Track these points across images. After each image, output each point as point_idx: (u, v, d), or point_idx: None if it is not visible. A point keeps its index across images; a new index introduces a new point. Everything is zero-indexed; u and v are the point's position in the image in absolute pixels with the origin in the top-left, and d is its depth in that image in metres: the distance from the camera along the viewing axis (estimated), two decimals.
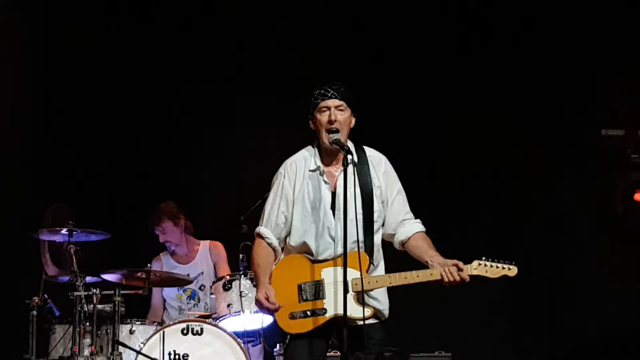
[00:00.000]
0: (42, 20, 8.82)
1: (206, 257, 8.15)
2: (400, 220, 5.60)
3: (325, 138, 5.45)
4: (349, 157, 5.34)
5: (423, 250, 5.50)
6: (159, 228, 8.07)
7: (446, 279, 5.34)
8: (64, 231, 7.23)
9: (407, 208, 5.65)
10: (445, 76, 8.98)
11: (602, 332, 8.69)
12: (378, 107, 8.46)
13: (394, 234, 5.61)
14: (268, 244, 5.53)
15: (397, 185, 5.64)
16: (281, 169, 5.60)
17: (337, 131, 5.43)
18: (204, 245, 8.22)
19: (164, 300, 8.17)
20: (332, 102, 5.46)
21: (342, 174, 5.40)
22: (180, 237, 8.13)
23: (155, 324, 7.41)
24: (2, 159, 8.57)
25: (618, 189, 8.66)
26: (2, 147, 8.58)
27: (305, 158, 5.56)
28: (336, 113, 5.44)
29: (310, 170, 5.52)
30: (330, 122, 5.43)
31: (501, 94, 8.96)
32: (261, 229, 5.56)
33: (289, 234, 5.54)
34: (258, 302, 5.43)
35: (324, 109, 5.45)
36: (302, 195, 5.49)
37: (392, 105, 8.88)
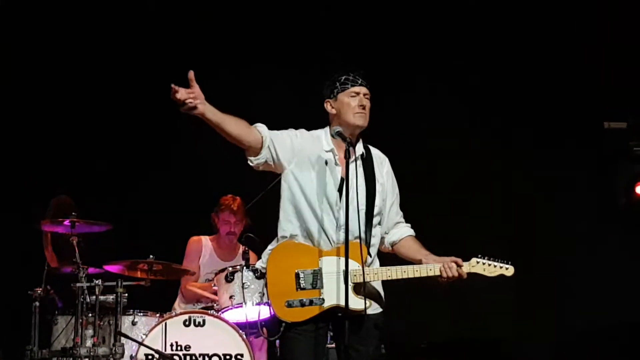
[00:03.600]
0: None
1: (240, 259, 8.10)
2: (394, 223, 5.68)
3: (356, 119, 5.46)
4: (357, 151, 5.44)
5: (415, 250, 5.58)
6: (237, 217, 8.06)
7: (444, 274, 5.39)
8: (66, 222, 7.23)
9: (400, 211, 5.73)
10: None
11: (605, 324, 8.70)
12: None
13: (387, 234, 5.67)
14: (255, 126, 5.40)
15: (396, 188, 5.72)
16: (294, 130, 5.56)
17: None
18: (242, 248, 8.16)
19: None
20: (362, 89, 5.53)
21: (352, 164, 5.42)
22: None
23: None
24: (4, 150, 8.58)
25: (620, 182, 8.66)
26: (4, 139, 8.60)
27: (319, 137, 5.57)
28: (365, 100, 5.52)
29: (324, 150, 5.53)
30: (363, 107, 5.49)
31: (503, 86, 8.96)
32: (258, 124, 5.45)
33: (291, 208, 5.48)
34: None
35: (354, 94, 5.51)
36: (314, 167, 5.46)
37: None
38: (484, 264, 5.49)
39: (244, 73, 8.93)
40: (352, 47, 8.82)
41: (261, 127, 5.42)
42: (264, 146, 5.39)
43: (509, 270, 5.54)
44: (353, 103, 5.49)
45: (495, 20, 9.00)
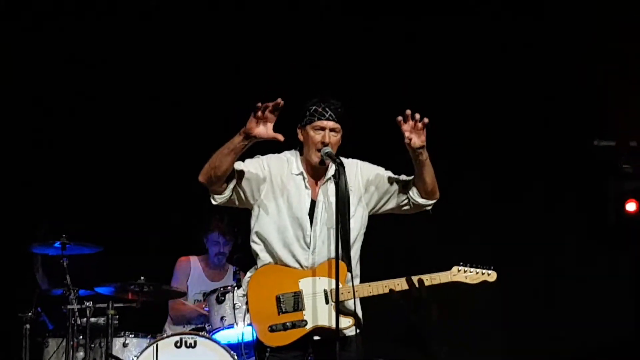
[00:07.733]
0: None
1: (230, 279, 8.09)
2: (404, 185, 5.50)
3: (315, 156, 5.40)
4: (334, 170, 5.32)
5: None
6: (227, 237, 8.05)
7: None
8: (57, 244, 7.23)
9: (401, 175, 5.54)
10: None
11: (594, 340, 8.72)
12: None
13: (412, 197, 5.50)
14: None
15: (379, 169, 5.56)
16: (262, 157, 5.50)
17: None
18: (232, 268, 8.15)
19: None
20: (328, 124, 5.40)
21: (324, 185, 5.42)
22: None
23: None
24: None
25: (610, 199, 8.70)
26: None
27: (289, 159, 5.51)
28: (330, 135, 5.39)
29: (292, 173, 5.48)
30: (324, 144, 5.38)
31: (497, 103, 8.97)
32: None
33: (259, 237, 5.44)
34: (248, 130, 5.18)
35: (319, 128, 5.41)
36: (283, 192, 5.41)
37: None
38: (465, 271, 5.49)
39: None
40: None
41: None
42: (228, 187, 5.34)
43: (491, 276, 5.54)
44: (316, 138, 5.39)
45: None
